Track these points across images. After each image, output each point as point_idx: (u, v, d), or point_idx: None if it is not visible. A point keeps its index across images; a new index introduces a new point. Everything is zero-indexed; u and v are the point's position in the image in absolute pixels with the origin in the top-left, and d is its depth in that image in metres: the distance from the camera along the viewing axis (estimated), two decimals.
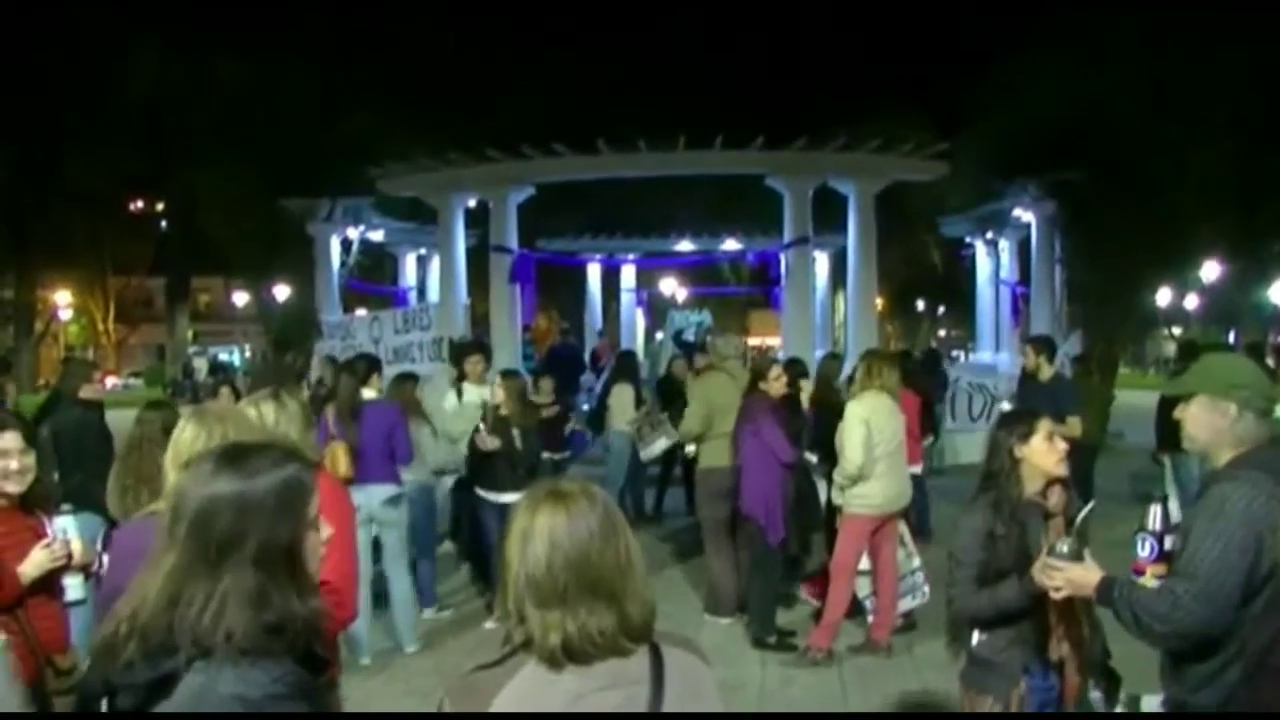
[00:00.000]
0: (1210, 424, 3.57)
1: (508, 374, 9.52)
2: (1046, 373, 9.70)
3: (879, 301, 22.95)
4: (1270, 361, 10.93)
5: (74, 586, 4.26)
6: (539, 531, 2.19)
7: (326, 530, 2.22)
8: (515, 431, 8.78)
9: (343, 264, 25.68)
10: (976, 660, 4.13)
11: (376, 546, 8.39)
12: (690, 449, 9.95)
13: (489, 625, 8.77)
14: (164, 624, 2.00)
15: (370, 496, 8.03)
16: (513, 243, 21.26)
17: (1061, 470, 4.14)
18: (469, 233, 22.87)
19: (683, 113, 24.68)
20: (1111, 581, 3.60)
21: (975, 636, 4.12)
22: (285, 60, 29.56)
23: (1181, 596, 3.33)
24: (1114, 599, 3.55)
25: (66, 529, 4.23)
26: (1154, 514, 3.62)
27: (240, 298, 51.31)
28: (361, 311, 22.90)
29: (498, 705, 2.13)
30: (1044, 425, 4.17)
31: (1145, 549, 3.53)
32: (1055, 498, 4.19)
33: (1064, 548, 3.71)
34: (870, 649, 8.09)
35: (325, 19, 31.24)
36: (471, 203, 22.24)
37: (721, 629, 8.78)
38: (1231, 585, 3.27)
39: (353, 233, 25.50)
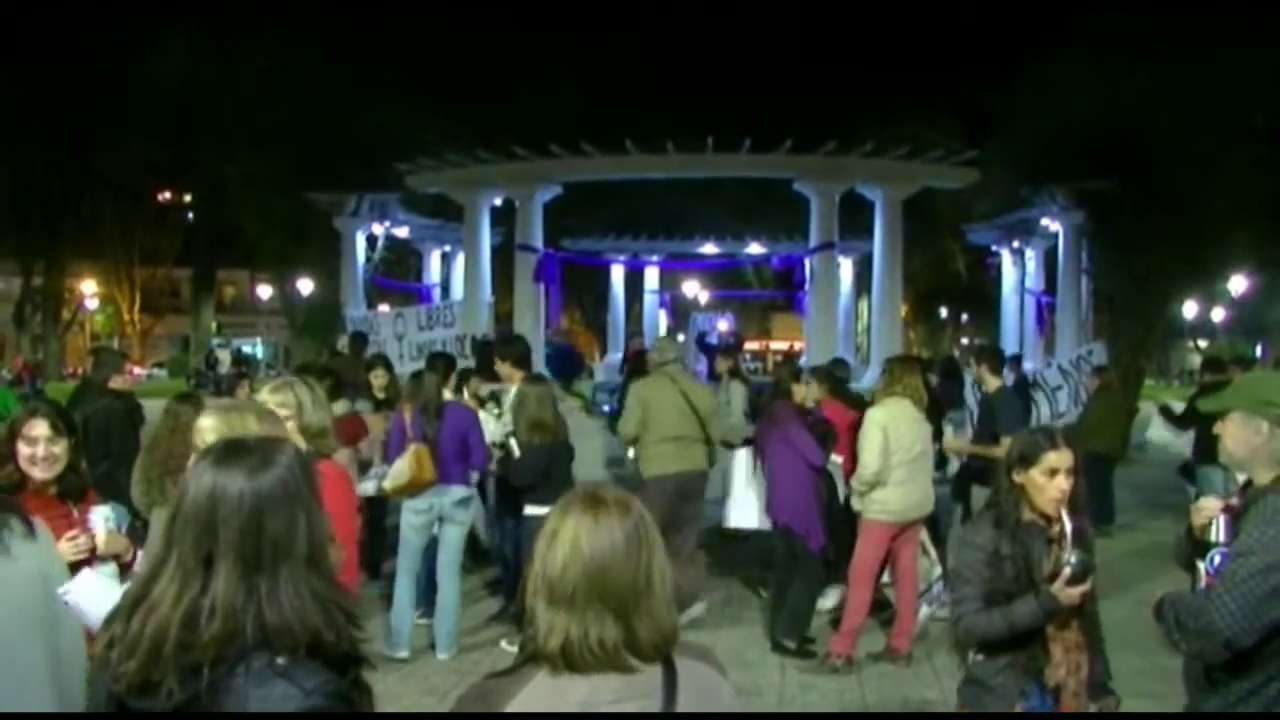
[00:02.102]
0: (1246, 440, 3.61)
1: (536, 378, 9.02)
2: (992, 385, 9.37)
3: (903, 308, 22.87)
4: None
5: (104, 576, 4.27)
6: (564, 535, 2.18)
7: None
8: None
9: (368, 259, 25.78)
10: (972, 680, 4.03)
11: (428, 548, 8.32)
12: (630, 453, 9.73)
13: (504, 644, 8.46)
14: (181, 635, 2.00)
15: (444, 497, 8.00)
16: (538, 242, 21.29)
17: (1051, 509, 3.88)
18: (494, 231, 22.93)
19: (711, 114, 24.69)
20: (1164, 598, 3.60)
21: (972, 656, 4.04)
22: (315, 52, 29.65)
23: (1220, 597, 3.34)
24: (1163, 609, 3.55)
25: (107, 518, 4.24)
26: (1217, 526, 3.64)
27: (264, 291, 51.54)
28: (385, 308, 22.97)
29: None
30: (1050, 458, 3.89)
31: (1215, 561, 3.56)
32: (1060, 523, 3.90)
33: (1072, 559, 3.70)
34: (890, 657, 8.07)
35: (355, 11, 31.35)
36: (498, 201, 22.30)
37: (741, 634, 8.75)
38: (1271, 591, 3.27)
39: (378, 228, 25.61)
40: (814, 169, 19.99)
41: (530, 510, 7.82)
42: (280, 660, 2.00)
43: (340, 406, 9.09)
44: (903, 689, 7.54)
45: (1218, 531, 3.60)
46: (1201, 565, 3.58)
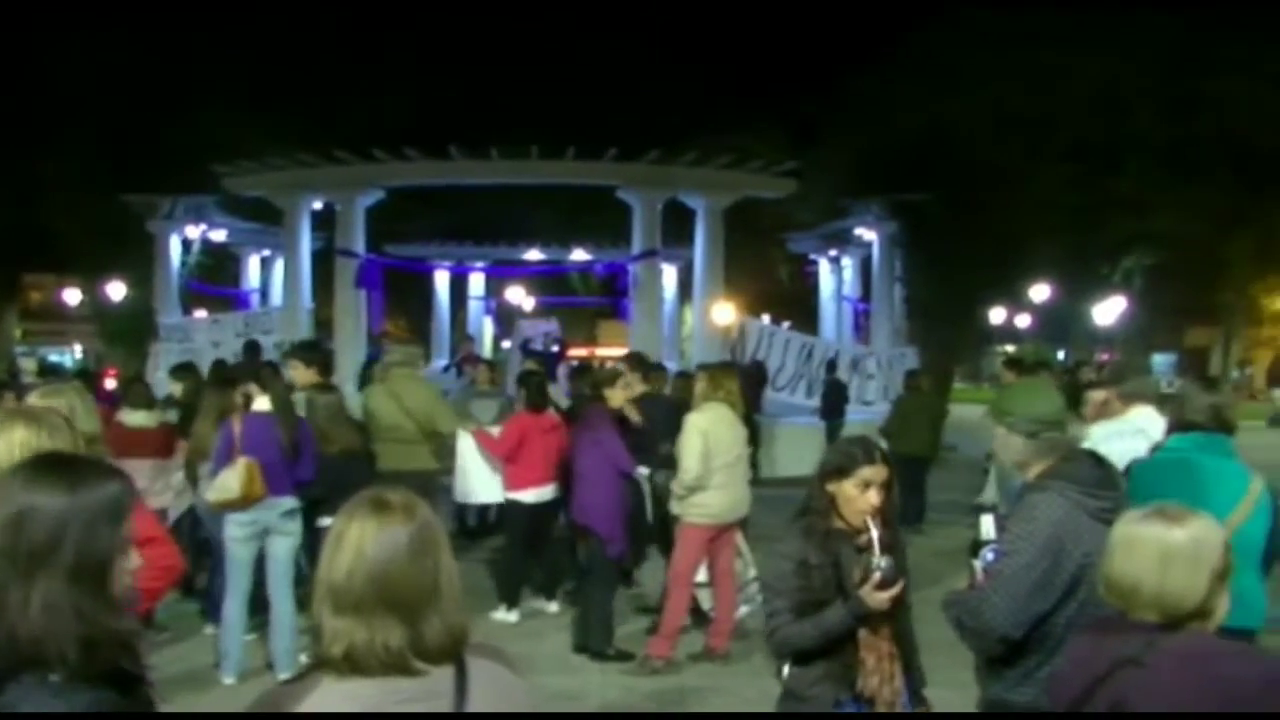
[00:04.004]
0: (1000, 444, 3.93)
1: (326, 388, 8.80)
2: (638, 389, 9.47)
3: (732, 310, 23.25)
4: (1093, 375, 11.40)
5: None
6: (349, 539, 2.16)
7: (135, 560, 2.22)
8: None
9: (183, 264, 25.01)
10: (789, 693, 4.03)
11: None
12: None
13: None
14: None
15: (269, 509, 7.66)
16: (360, 247, 20.99)
17: (859, 521, 3.89)
18: (315, 235, 22.50)
19: (537, 121, 24.69)
20: (946, 597, 3.82)
21: (786, 669, 4.02)
22: (131, 48, 28.62)
23: (990, 595, 3.57)
24: (948, 605, 3.76)
25: None
26: (987, 524, 3.84)
27: (73, 296, 49.45)
28: (201, 313, 22.35)
29: None
30: (865, 472, 3.92)
31: (988, 558, 3.74)
32: (869, 531, 3.91)
33: (881, 564, 3.76)
34: (709, 657, 8.20)
35: (177, 7, 30.35)
36: (319, 204, 21.90)
37: (563, 640, 8.78)
38: (1034, 586, 3.51)
39: (194, 231, 24.84)
40: (637, 177, 20.19)
41: (321, 522, 7.58)
42: (53, 678, 1.97)
43: (146, 417, 8.81)
44: (724, 688, 7.68)
45: (988, 529, 3.81)
46: (976, 563, 3.78)
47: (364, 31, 32.80)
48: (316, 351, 9.48)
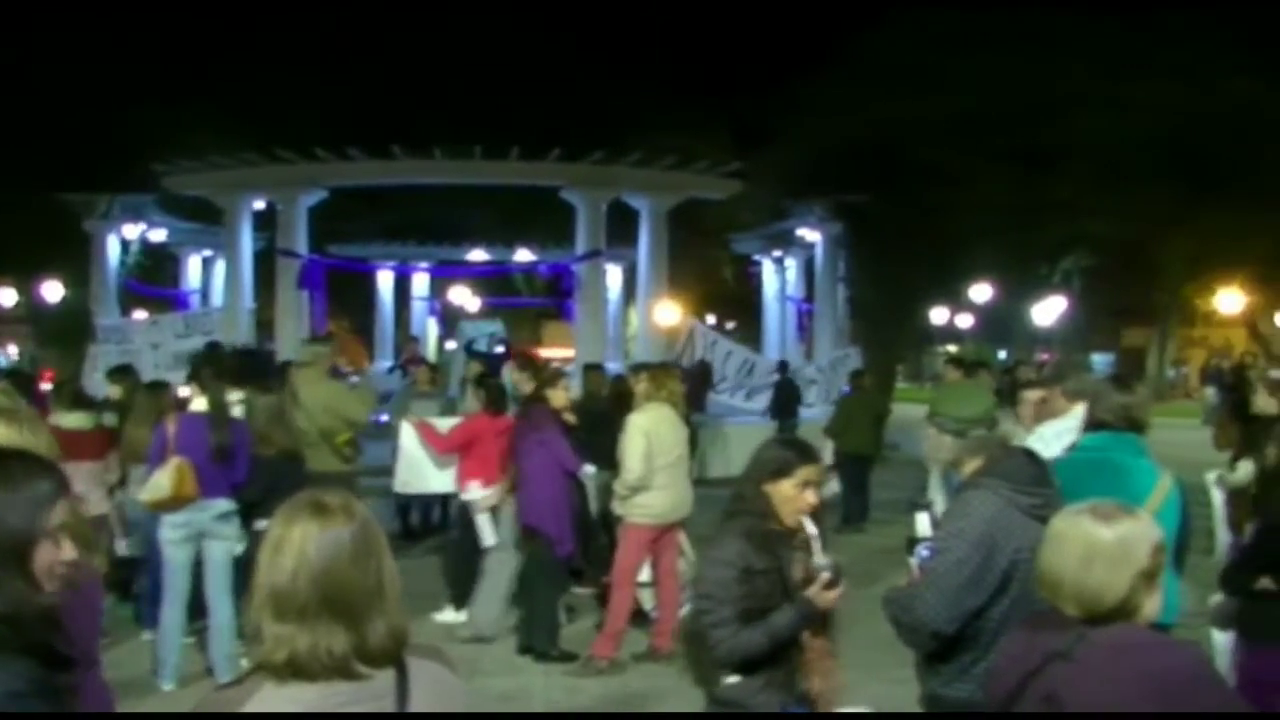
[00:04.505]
0: (932, 444, 4.03)
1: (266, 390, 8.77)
2: (528, 388, 9.47)
3: (683, 318, 23.33)
4: (1033, 374, 11.57)
5: None
6: (291, 543, 2.14)
7: (69, 552, 2.22)
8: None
9: (121, 264, 24.69)
10: (728, 701, 3.93)
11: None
12: None
13: None
14: None
15: (204, 511, 7.53)
16: (302, 247, 20.85)
17: (794, 521, 3.90)
18: (257, 235, 22.32)
19: (481, 121, 24.61)
20: (884, 595, 3.86)
21: (728, 679, 3.90)
22: (69, 45, 28.23)
23: (923, 591, 3.63)
24: (885, 602, 3.80)
25: None
26: (921, 521, 3.89)
27: (8, 296, 48.61)
28: (140, 315, 22.06)
29: None
30: (805, 471, 3.93)
31: (923, 555, 3.78)
32: (806, 531, 3.95)
33: (825, 564, 3.79)
34: (653, 657, 8.21)
35: (112, 6, 29.96)
36: (260, 204, 21.71)
37: (505, 641, 8.75)
38: (966, 582, 3.56)
39: (132, 231, 24.52)
40: (581, 178, 20.20)
41: (258, 525, 7.37)
42: None
43: (82, 419, 8.68)
44: (668, 688, 7.69)
45: (923, 526, 3.86)
46: (912, 560, 3.83)
47: (307, 30, 32.52)
48: (240, 358, 9.39)
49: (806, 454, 3.99)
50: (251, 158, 20.16)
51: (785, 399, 18.82)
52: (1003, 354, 44.51)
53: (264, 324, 23.13)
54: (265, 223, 22.34)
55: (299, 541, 2.14)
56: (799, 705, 3.87)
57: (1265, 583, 5.05)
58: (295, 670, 2.09)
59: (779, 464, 3.93)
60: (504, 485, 8.74)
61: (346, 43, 33.03)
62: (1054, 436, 5.92)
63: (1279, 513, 5.23)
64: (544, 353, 27.54)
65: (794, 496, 3.89)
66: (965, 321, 45.08)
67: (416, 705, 2.17)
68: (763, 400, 19.13)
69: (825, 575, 3.76)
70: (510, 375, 9.89)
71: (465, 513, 9.44)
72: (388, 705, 2.15)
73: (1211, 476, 8.16)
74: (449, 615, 9.26)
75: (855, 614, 4.19)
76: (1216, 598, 5.47)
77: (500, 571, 8.71)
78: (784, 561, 3.87)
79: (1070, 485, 4.44)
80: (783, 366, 19.71)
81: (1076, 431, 5.74)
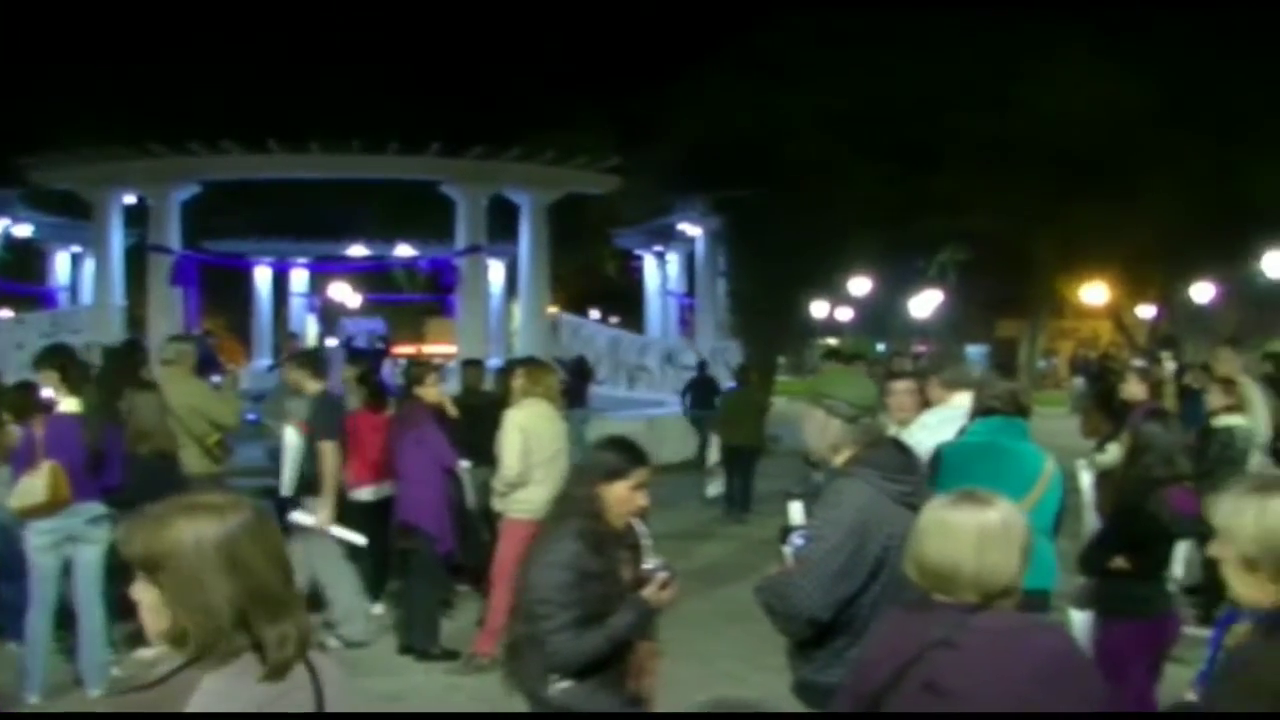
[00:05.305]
0: (812, 430, 3.98)
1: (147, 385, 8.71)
2: (313, 388, 9.57)
3: (553, 310, 23.34)
4: (906, 365, 11.86)
5: None
6: (242, 542, 2.15)
7: None
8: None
9: None
10: (558, 708, 3.86)
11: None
12: None
13: None
14: None
15: (73, 516, 7.24)
16: (175, 243, 20.40)
17: (622, 523, 3.92)
18: (128, 231, 21.73)
19: (360, 115, 24.27)
20: (758, 584, 3.90)
21: (558, 685, 3.82)
22: None
23: (797, 579, 3.67)
24: (759, 590, 3.84)
25: None
26: (795, 510, 3.95)
27: None
28: (5, 313, 21.40)
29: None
30: (639, 473, 3.96)
31: (796, 543, 3.83)
32: (637, 532, 3.98)
33: (658, 564, 3.85)
34: (472, 662, 8.14)
35: None
36: (131, 199, 21.16)
37: (385, 642, 8.66)
38: (840, 569, 3.62)
39: None
40: (461, 172, 20.08)
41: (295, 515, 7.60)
42: None
43: None
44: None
45: (796, 515, 3.92)
46: (785, 549, 3.88)
47: (179, 20, 31.76)
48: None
49: (640, 457, 4.02)
50: (121, 151, 19.63)
51: (704, 393, 19.14)
52: (881, 346, 45.36)
53: (136, 322, 22.58)
54: (136, 218, 21.78)
55: (245, 539, 2.16)
56: (629, 705, 3.90)
57: (1119, 562, 5.32)
58: (287, 666, 2.14)
59: (614, 466, 3.96)
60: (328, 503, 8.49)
61: (220, 33, 32.32)
62: (938, 424, 6.09)
63: (1133, 495, 5.50)
64: (426, 349, 27.35)
65: (627, 499, 3.92)
66: (845, 315, 45.81)
67: (330, 701, 2.22)
68: (646, 387, 19.32)
69: (662, 575, 3.81)
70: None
71: (346, 513, 9.33)
72: (308, 699, 2.18)
73: (1082, 463, 8.44)
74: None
75: (737, 606, 4.23)
76: (1080, 579, 5.68)
77: (338, 576, 8.56)
78: (616, 563, 3.88)
79: (962, 469, 4.70)
80: (701, 366, 19.99)
81: (961, 419, 5.94)
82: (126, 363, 10.24)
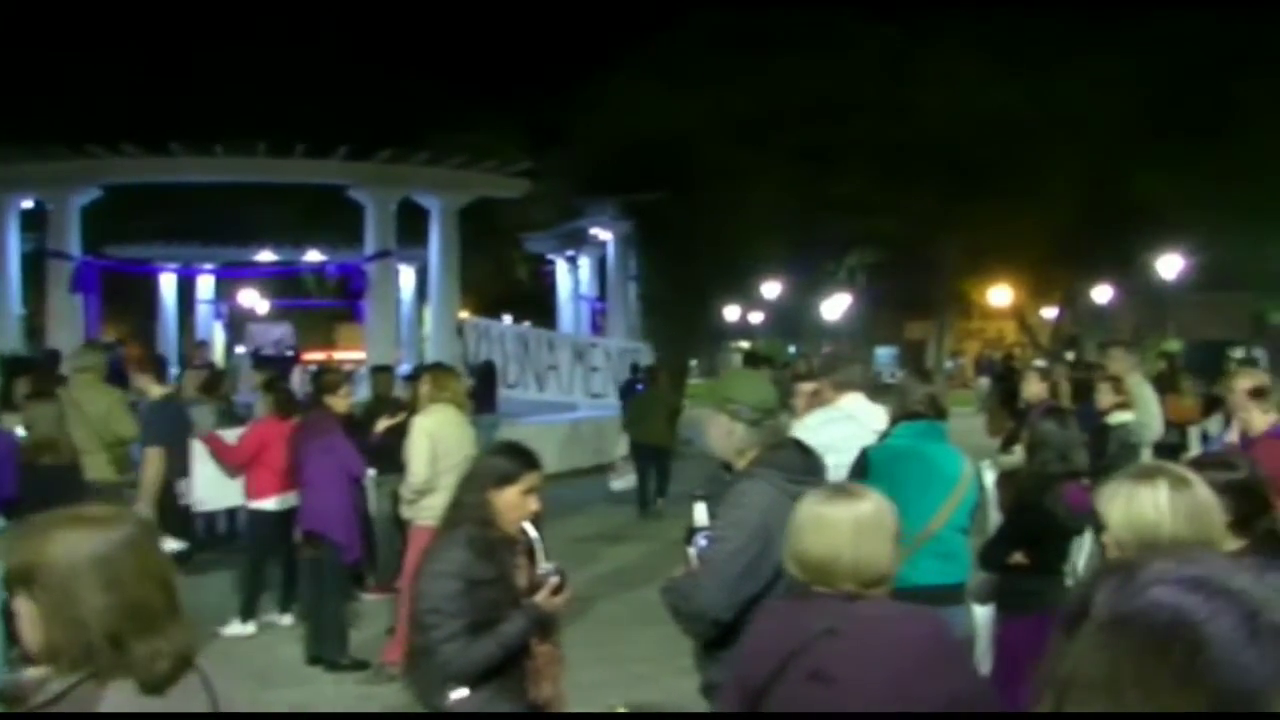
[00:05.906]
0: (714, 433, 4.04)
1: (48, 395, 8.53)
2: (155, 392, 9.45)
3: (464, 315, 23.23)
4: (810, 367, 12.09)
5: None
6: (120, 557, 2.12)
7: None
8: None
9: None
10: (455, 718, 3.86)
11: None
12: None
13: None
14: None
15: None
16: (75, 248, 19.93)
17: (515, 529, 3.94)
18: (25, 236, 21.20)
19: (266, 118, 23.93)
20: (663, 585, 3.97)
21: (455, 694, 3.79)
22: None
23: (702, 580, 3.74)
24: (664, 591, 3.90)
25: None
26: (699, 511, 4.01)
27: None
28: None
29: None
30: (530, 478, 3.96)
31: (701, 544, 3.89)
32: (528, 537, 4.00)
33: (551, 569, 3.89)
34: (382, 672, 8.12)
35: None
36: (29, 203, 20.66)
37: (295, 651, 8.58)
38: (744, 570, 3.68)
39: None
40: (369, 176, 19.91)
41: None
42: None
43: None
44: None
45: (700, 516, 3.98)
46: (690, 550, 3.93)
47: (80, 19, 31.11)
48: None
49: (531, 461, 4.03)
50: (17, 153, 19.14)
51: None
52: (793, 349, 45.82)
53: (35, 330, 22.05)
54: (34, 223, 21.28)
55: (122, 551, 2.14)
56: (530, 710, 3.91)
57: (1018, 558, 5.47)
58: (163, 681, 2.11)
59: (505, 471, 3.96)
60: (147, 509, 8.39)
61: (122, 34, 31.70)
62: (818, 425, 6.19)
63: (1031, 493, 5.68)
64: (337, 355, 27.05)
65: (518, 504, 3.92)
66: (757, 317, 46.20)
67: (223, 705, 2.23)
68: (555, 388, 19.37)
69: (554, 580, 3.84)
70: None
71: (255, 523, 9.25)
72: (205, 703, 2.19)
73: (985, 463, 8.63)
74: (236, 628, 9.03)
75: (648, 607, 4.27)
76: (980, 575, 5.83)
77: None
78: (508, 569, 3.89)
79: (885, 472, 4.84)
80: (634, 368, 20.01)
81: (845, 420, 6.08)
82: (44, 372, 10.03)
